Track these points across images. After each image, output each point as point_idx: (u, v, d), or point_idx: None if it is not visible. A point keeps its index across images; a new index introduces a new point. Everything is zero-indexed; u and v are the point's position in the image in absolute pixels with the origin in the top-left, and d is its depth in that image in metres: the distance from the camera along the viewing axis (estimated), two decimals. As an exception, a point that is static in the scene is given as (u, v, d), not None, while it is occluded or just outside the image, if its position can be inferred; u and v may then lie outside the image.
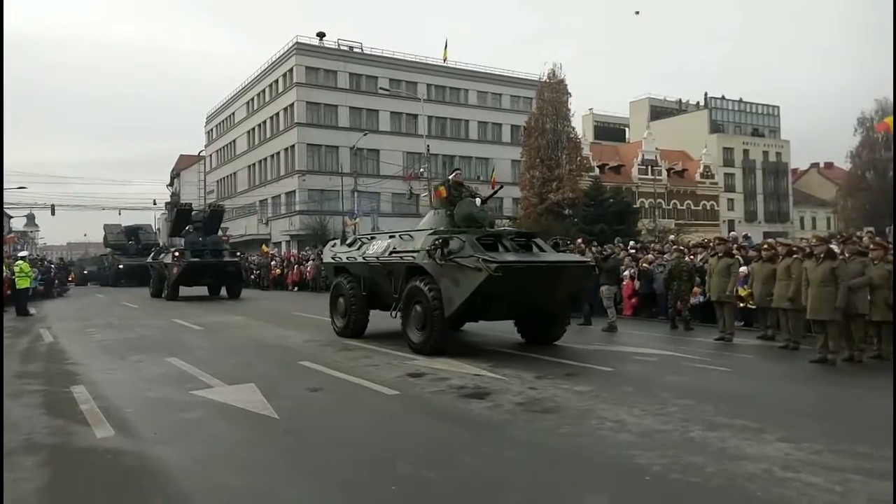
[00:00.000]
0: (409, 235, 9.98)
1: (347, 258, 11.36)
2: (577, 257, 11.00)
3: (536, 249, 9.47)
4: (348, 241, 12.04)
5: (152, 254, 26.21)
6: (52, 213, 53.22)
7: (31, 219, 76.20)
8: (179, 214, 25.39)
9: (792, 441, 4.82)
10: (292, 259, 31.09)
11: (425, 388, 7.05)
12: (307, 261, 28.84)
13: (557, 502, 3.86)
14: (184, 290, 22.61)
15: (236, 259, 24.25)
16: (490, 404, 6.25)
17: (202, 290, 23.85)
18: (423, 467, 4.47)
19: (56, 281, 28.05)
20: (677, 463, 4.40)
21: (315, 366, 8.47)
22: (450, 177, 10.83)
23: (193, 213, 25.84)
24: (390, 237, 10.50)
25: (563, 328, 10.04)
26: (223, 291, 23.72)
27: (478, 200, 10.30)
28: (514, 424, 5.54)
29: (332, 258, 12.02)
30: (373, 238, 11.25)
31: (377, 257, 10.31)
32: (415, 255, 9.35)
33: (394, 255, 9.91)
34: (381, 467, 4.47)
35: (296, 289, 28.17)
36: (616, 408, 5.98)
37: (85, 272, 42.91)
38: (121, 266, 35.14)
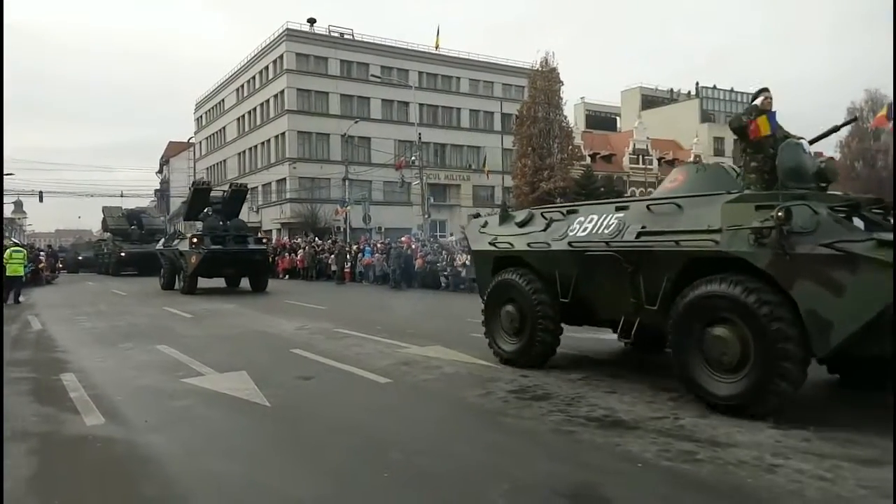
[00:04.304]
0: (675, 205, 5.95)
1: (530, 244, 7.22)
2: None
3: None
4: (518, 220, 7.68)
5: (163, 240, 23.48)
6: (40, 200, 52.80)
7: (18, 206, 75.65)
8: (196, 194, 21.67)
9: (781, 428, 4.86)
10: (284, 247, 31.00)
11: (417, 376, 7.06)
12: (298, 249, 28.78)
13: (548, 490, 3.87)
14: (201, 282, 20.16)
15: (263, 247, 21.31)
16: (482, 392, 6.26)
17: (219, 282, 21.74)
18: (414, 454, 4.48)
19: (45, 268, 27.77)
20: (668, 450, 4.43)
21: (307, 354, 8.47)
22: (756, 101, 6.37)
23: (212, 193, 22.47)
24: (618, 209, 6.53)
25: None
26: (244, 282, 21.26)
27: (804, 142, 6.35)
28: (506, 412, 5.56)
29: (493, 244, 7.81)
30: (571, 213, 7.10)
31: (606, 242, 6.33)
32: (714, 237, 5.41)
33: (645, 237, 6.01)
34: (374, 454, 4.47)
35: (286, 276, 28.17)
36: (607, 395, 6.01)
37: (79, 258, 40.45)
38: (123, 253, 31.91)
